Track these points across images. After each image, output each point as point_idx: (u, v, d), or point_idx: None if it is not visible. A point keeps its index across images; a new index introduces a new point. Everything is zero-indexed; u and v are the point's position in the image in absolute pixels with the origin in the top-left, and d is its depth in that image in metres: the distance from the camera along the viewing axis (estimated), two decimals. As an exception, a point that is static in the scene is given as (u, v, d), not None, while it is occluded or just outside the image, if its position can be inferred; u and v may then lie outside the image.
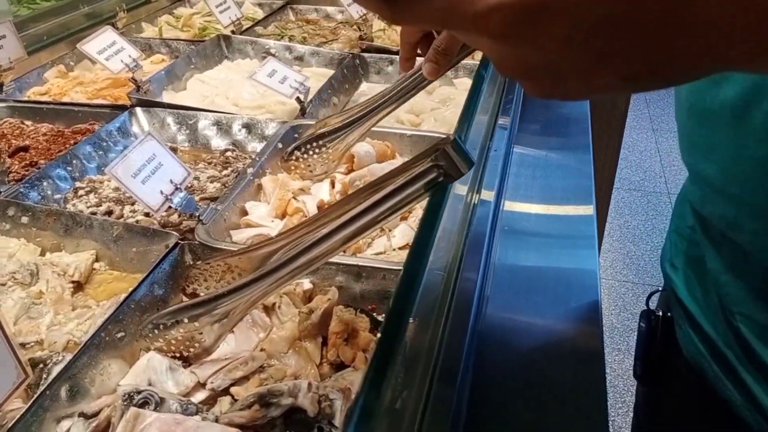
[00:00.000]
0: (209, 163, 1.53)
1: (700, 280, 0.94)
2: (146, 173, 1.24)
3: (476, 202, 1.17)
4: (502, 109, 1.59)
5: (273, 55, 1.97)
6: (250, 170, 1.41)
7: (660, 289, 1.12)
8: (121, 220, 1.33)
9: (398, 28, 1.98)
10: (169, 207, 1.26)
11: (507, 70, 0.47)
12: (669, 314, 1.03)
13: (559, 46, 0.43)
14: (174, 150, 1.58)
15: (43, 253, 1.26)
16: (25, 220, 1.26)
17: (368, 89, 1.92)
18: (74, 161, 1.46)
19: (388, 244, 1.30)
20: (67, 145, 1.53)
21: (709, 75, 0.43)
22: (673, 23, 0.40)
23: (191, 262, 1.21)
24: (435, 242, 0.86)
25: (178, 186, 1.28)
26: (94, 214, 1.35)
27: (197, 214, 1.27)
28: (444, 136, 1.12)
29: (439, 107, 1.78)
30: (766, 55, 0.40)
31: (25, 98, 1.70)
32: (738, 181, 0.77)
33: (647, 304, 1.10)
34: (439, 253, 0.97)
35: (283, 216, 1.37)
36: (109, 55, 1.62)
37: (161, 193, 1.25)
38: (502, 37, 0.44)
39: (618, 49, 0.42)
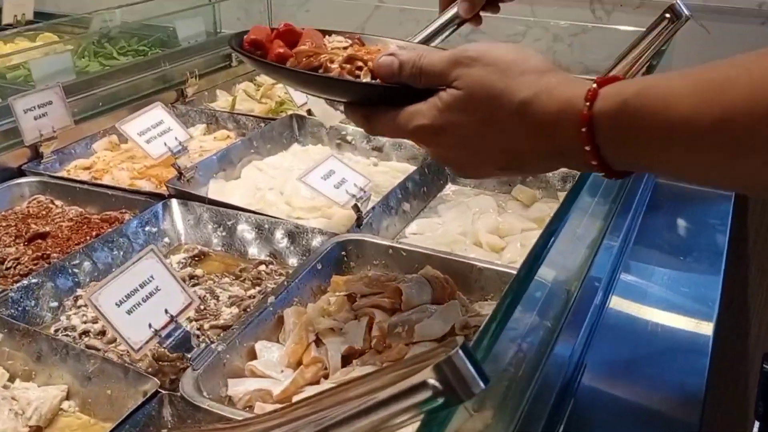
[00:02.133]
0: (237, 277, 1.34)
1: None
2: (137, 300, 1.05)
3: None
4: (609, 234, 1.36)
5: (349, 143, 1.78)
6: (271, 299, 1.19)
7: None
8: (112, 345, 1.15)
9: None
10: (158, 343, 1.07)
11: (435, 160, 1.01)
12: None
13: (451, 148, 0.82)
14: (204, 254, 1.42)
15: (12, 379, 1.10)
16: (-1, 336, 1.11)
17: (454, 193, 1.67)
18: (85, 263, 1.31)
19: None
20: (90, 237, 1.39)
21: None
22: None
23: (169, 418, 1.02)
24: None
25: (174, 317, 1.08)
26: (86, 333, 1.19)
27: (189, 357, 1.07)
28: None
29: (533, 227, 1.50)
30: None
31: (61, 174, 1.59)
32: None
33: None
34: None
35: (297, 365, 1.14)
36: (152, 136, 1.49)
37: (149, 326, 1.06)
38: (423, 144, 0.86)
39: (487, 153, 0.80)
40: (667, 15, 1.21)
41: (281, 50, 0.92)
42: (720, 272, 1.38)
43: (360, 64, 0.88)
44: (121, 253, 1.36)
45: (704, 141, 0.62)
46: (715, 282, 1.35)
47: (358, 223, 1.40)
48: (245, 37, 0.96)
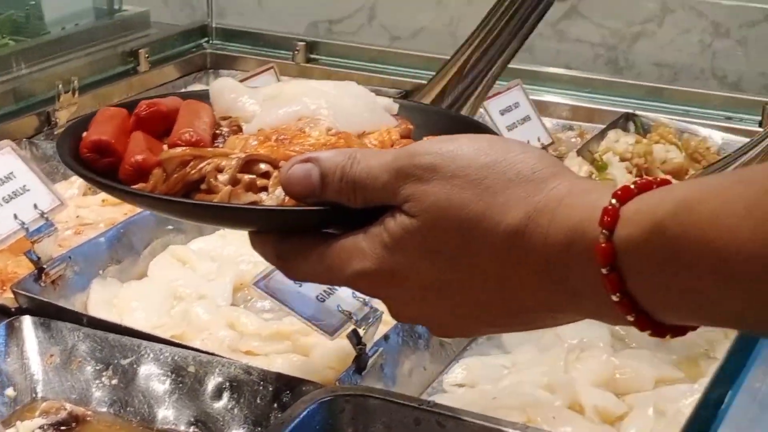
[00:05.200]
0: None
1: None
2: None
3: None
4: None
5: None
6: None
7: None
8: None
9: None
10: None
11: (397, 319, 0.66)
12: None
13: (414, 302, 0.61)
14: (78, 420, 1.09)
15: None
16: None
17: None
18: None
19: None
20: None
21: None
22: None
23: None
24: None
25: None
26: None
27: None
28: None
29: (678, 378, 1.15)
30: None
31: None
32: None
33: None
34: None
35: None
36: (-4, 202, 1.15)
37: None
38: (372, 296, 0.68)
39: (468, 307, 0.60)
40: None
41: (140, 157, 0.74)
42: None
43: (266, 168, 0.71)
44: None
45: None
46: None
47: (359, 366, 1.08)
48: (85, 135, 0.75)
